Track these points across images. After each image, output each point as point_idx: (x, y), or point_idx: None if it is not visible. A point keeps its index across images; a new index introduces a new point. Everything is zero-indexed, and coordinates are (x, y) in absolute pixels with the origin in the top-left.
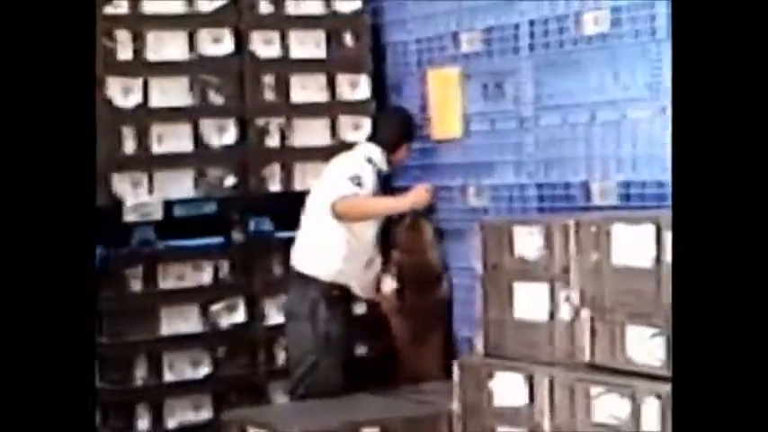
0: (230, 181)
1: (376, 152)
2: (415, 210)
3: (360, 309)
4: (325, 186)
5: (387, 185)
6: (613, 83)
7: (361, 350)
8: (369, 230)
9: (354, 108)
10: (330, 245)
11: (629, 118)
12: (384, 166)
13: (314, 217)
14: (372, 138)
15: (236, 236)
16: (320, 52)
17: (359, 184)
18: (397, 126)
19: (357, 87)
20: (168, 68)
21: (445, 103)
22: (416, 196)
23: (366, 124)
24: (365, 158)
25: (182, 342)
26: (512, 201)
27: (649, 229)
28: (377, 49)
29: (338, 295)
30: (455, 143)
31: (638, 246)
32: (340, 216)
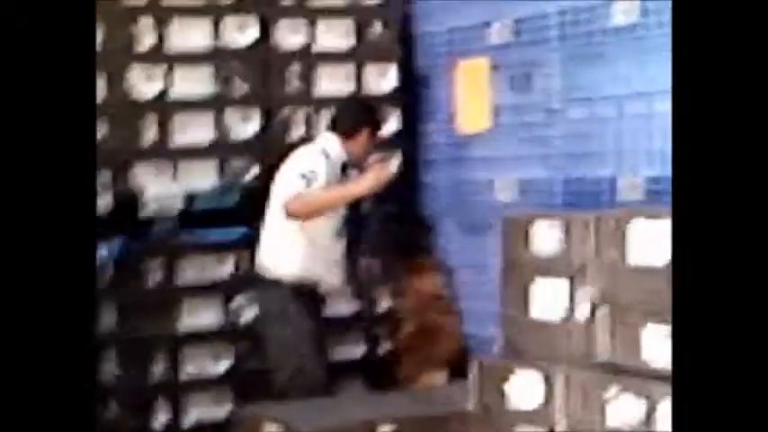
0: (254, 172)
1: (332, 142)
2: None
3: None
4: (280, 185)
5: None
6: (640, 75)
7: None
8: (326, 225)
9: (382, 99)
10: (291, 244)
11: (657, 111)
12: (343, 156)
13: (273, 217)
14: (332, 127)
15: (260, 227)
16: (347, 42)
17: (311, 180)
18: (353, 112)
19: (385, 78)
20: (191, 57)
21: (474, 95)
22: (373, 178)
23: (394, 116)
24: (320, 151)
25: (202, 337)
26: (539, 196)
27: (666, 224)
28: (406, 40)
29: (308, 294)
30: (483, 136)
31: (656, 243)
32: (292, 216)
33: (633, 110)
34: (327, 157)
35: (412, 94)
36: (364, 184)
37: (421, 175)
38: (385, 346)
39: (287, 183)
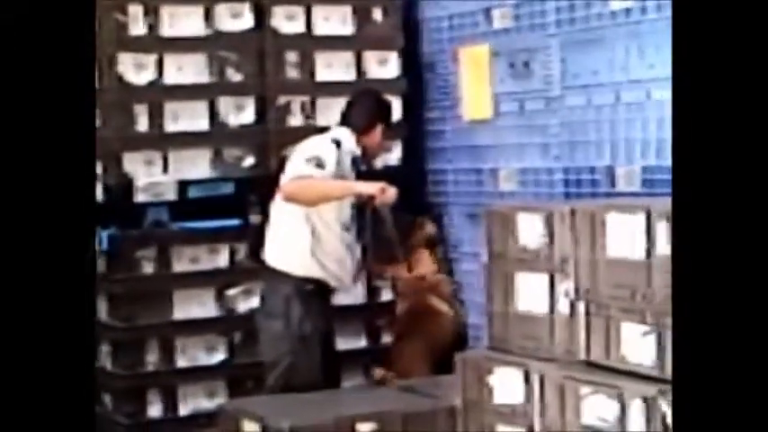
0: (249, 161)
1: (345, 135)
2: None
3: (345, 300)
4: (287, 171)
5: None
6: (638, 61)
7: (345, 344)
8: (333, 217)
9: (383, 86)
10: (296, 237)
11: (654, 98)
12: (355, 150)
13: (279, 208)
14: (343, 121)
15: (254, 218)
16: (346, 29)
17: (318, 166)
18: (367, 107)
19: (386, 65)
20: (184, 45)
21: (476, 83)
22: (378, 187)
23: (395, 104)
24: (331, 140)
25: (196, 327)
26: (539, 185)
27: (641, 219)
28: (410, 26)
29: (312, 290)
30: (486, 124)
31: (632, 236)
32: (289, 198)
33: (630, 98)
34: (339, 146)
35: (415, 80)
36: (366, 186)
37: (425, 163)
38: (387, 338)
39: (292, 167)
